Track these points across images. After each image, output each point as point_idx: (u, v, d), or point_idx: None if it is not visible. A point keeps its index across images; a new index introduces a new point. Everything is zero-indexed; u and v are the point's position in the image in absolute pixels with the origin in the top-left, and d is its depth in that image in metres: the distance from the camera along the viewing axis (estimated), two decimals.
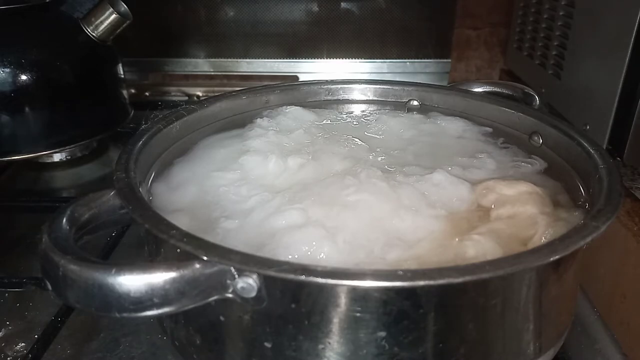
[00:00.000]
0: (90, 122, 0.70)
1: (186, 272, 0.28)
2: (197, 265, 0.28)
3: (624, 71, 0.50)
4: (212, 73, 1.00)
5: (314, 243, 0.35)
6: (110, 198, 0.36)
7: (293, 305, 0.30)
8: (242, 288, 0.29)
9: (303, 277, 0.27)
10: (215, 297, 0.29)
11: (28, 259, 0.54)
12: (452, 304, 0.30)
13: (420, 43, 0.96)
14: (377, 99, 0.60)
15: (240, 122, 0.54)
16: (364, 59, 0.97)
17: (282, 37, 0.97)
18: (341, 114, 0.58)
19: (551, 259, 0.29)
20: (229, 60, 0.98)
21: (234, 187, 0.42)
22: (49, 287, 0.29)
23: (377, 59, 0.97)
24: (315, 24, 0.95)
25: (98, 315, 0.45)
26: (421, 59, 0.97)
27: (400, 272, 0.27)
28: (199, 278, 0.28)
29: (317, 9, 0.94)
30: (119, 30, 0.69)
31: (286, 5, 0.94)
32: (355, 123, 0.56)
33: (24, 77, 0.62)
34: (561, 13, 0.66)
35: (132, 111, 0.77)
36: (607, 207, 0.33)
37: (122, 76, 0.75)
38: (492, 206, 0.40)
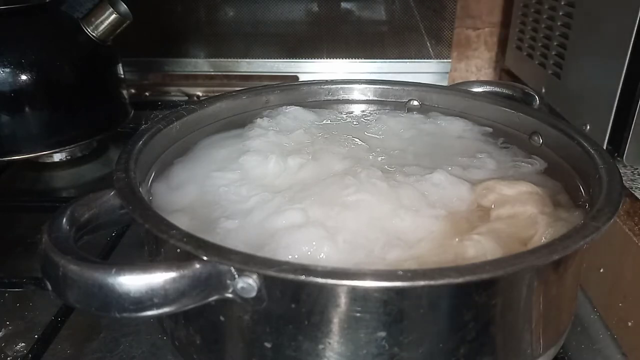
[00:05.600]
0: (90, 122, 0.70)
1: (186, 272, 0.28)
2: (197, 265, 0.28)
3: (624, 71, 0.50)
4: (212, 73, 1.00)
5: (314, 243, 0.35)
6: (110, 198, 0.36)
7: (293, 305, 0.30)
8: (242, 288, 0.29)
9: (303, 277, 0.27)
10: (215, 297, 0.29)
11: (28, 259, 0.55)
12: (452, 304, 0.30)
13: (420, 43, 0.96)
14: (377, 99, 0.60)
15: (240, 122, 0.54)
16: (364, 59, 0.97)
17: (282, 37, 0.97)
18: (341, 114, 0.58)
19: (551, 259, 0.29)
20: (229, 60, 0.98)
21: (234, 187, 0.42)
22: (49, 287, 0.29)
23: (377, 59, 0.97)
24: (315, 24, 0.95)
25: (98, 315, 0.45)
26: (421, 59, 0.97)
27: (400, 272, 0.27)
28: (199, 278, 0.28)
29: (317, 9, 0.94)
30: (119, 30, 0.69)
31: (286, 5, 0.94)
32: (355, 123, 0.56)
33: (24, 77, 0.62)
34: (561, 13, 0.66)
35: (132, 111, 0.77)
36: (607, 207, 0.33)
37: (122, 76, 0.75)
38: (492, 206, 0.40)
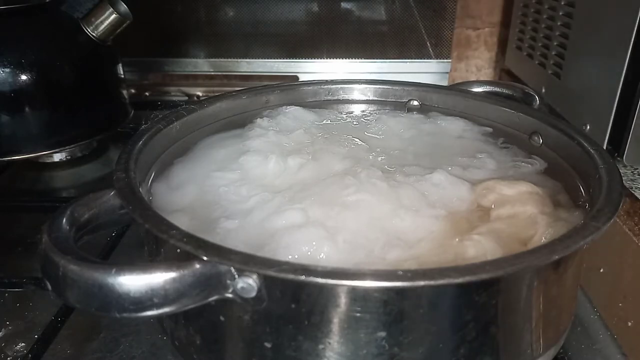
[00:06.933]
0: (90, 122, 0.70)
1: (186, 272, 0.28)
2: (197, 265, 0.28)
3: (624, 71, 0.50)
4: (212, 73, 1.00)
5: (314, 243, 0.35)
6: (110, 198, 0.36)
7: (293, 305, 0.30)
8: (242, 288, 0.29)
9: (303, 277, 0.27)
10: (215, 297, 0.29)
11: (28, 259, 0.55)
12: (452, 304, 0.30)
13: (420, 43, 0.96)
14: (377, 99, 0.60)
15: (240, 122, 0.54)
16: (364, 59, 0.97)
17: (282, 37, 0.97)
18: (341, 114, 0.58)
19: (551, 259, 0.29)
20: (229, 60, 0.98)
21: (234, 187, 0.42)
22: (49, 287, 0.29)
23: (377, 59, 0.97)
24: (315, 24, 0.95)
25: (98, 315, 0.45)
26: (421, 59, 0.97)
27: (400, 272, 0.27)
28: (199, 278, 0.28)
29: (317, 9, 0.94)
30: (119, 30, 0.69)
31: (286, 5, 0.94)
32: (355, 123, 0.56)
33: (24, 77, 0.62)
34: (561, 13, 0.66)
35: (132, 111, 0.77)
36: (607, 207, 0.33)
37: (122, 76, 0.75)
38: (492, 206, 0.40)
